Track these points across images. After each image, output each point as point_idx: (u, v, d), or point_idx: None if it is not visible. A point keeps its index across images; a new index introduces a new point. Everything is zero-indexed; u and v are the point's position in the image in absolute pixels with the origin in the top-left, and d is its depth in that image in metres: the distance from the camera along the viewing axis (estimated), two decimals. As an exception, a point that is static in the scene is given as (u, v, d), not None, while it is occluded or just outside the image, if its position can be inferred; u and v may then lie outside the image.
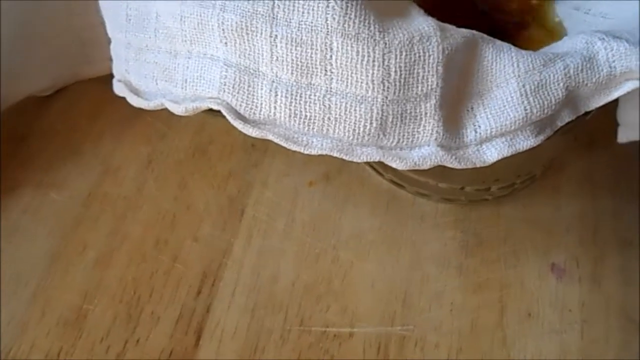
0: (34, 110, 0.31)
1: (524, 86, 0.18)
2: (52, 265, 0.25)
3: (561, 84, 0.18)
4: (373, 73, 0.17)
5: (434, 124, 0.18)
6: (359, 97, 0.17)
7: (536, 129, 0.19)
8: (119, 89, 0.22)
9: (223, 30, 0.17)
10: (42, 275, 0.25)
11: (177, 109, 0.19)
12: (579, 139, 0.29)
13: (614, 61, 0.18)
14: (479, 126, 0.18)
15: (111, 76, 0.24)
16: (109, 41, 0.23)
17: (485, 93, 0.18)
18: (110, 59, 0.24)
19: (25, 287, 0.25)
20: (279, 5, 0.17)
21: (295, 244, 0.26)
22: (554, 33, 0.23)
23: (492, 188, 0.25)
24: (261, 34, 0.17)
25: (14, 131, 0.30)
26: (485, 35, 0.18)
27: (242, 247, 0.26)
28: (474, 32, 0.18)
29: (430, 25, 0.17)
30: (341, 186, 0.28)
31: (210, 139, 0.29)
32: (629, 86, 0.18)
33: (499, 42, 0.19)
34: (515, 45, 0.19)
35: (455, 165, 0.18)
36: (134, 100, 0.21)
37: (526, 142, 0.18)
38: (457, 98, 0.18)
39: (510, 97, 0.18)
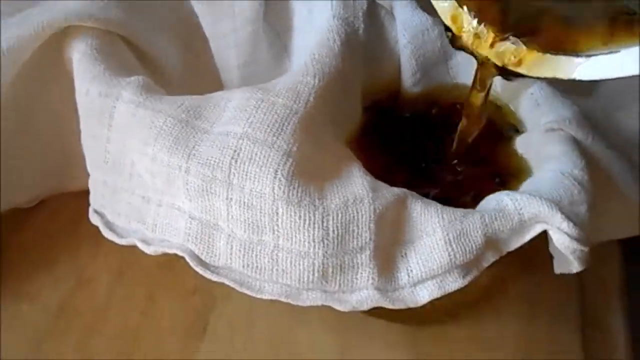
0: (15, 221, 0.32)
1: (447, 234, 0.21)
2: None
3: (479, 232, 0.21)
4: (314, 233, 0.19)
5: (369, 272, 0.20)
6: (302, 253, 0.20)
7: (463, 271, 0.21)
8: (94, 219, 0.25)
9: (187, 190, 0.20)
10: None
11: (147, 250, 0.22)
12: (521, 262, 0.31)
13: (521, 209, 0.21)
14: (411, 270, 0.21)
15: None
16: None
17: (416, 240, 0.21)
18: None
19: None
20: (234, 173, 0.20)
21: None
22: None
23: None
24: (219, 196, 0.20)
25: (-6, 242, 0.31)
26: (415, 194, 0.21)
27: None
28: (405, 190, 0.21)
29: (364, 187, 0.20)
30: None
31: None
32: (538, 228, 0.21)
33: (426, 199, 0.22)
34: None
35: (389, 306, 0.20)
36: (108, 234, 0.24)
37: (455, 283, 0.21)
38: (391, 245, 0.21)
39: (436, 244, 0.21)
